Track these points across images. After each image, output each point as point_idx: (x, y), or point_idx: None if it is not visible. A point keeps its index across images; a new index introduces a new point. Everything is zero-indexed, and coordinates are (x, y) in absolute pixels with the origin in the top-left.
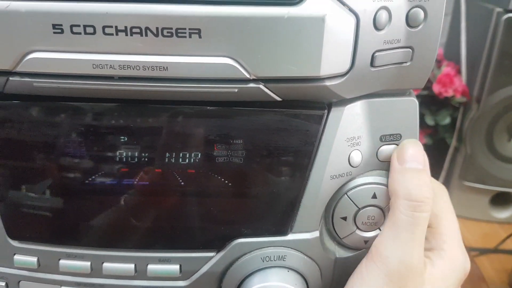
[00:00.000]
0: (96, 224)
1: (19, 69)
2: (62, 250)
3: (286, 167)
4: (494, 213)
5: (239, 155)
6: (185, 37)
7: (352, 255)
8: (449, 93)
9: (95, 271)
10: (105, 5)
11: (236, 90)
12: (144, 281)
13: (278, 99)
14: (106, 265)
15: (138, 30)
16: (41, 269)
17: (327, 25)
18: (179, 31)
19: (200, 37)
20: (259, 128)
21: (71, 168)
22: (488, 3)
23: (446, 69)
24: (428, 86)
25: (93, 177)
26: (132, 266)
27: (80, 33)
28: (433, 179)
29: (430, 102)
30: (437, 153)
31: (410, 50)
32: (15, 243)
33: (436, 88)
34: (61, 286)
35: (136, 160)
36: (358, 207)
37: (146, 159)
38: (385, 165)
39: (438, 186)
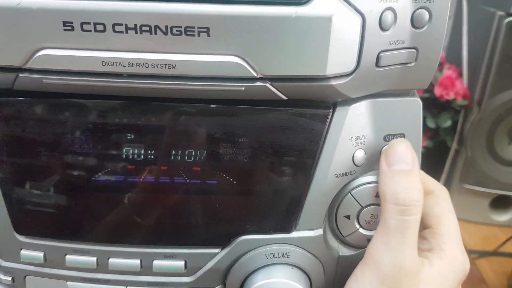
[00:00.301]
0: (102, 220)
1: (29, 65)
2: (68, 246)
3: (291, 166)
4: (494, 216)
5: (245, 153)
6: (193, 35)
7: (355, 254)
8: (451, 96)
9: (101, 266)
10: (115, 3)
11: (243, 88)
12: (150, 277)
13: (284, 98)
14: (112, 260)
15: (147, 28)
16: (47, 264)
17: (333, 25)
18: (188, 29)
19: (208, 35)
20: (264, 127)
21: (78, 164)
22: (490, 6)
23: (448, 72)
24: (430, 89)
25: (100, 173)
26: (137, 261)
27: (90, 31)
28: (434, 181)
29: (432, 105)
30: (437, 155)
31: (414, 50)
32: (22, 238)
33: (437, 91)
34: (67, 281)
35: (142, 157)
36: (361, 205)
37: (152, 156)
38: None
39: (439, 188)
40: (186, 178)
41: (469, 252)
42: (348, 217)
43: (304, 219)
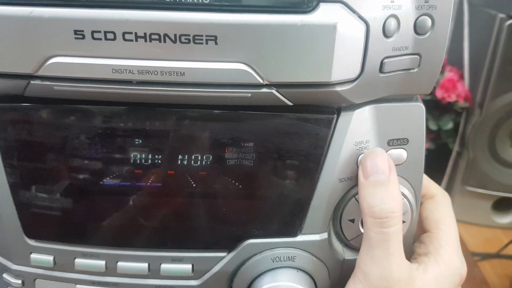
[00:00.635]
0: (111, 224)
1: (40, 73)
2: (77, 249)
3: (296, 170)
4: (496, 218)
5: (251, 157)
6: (202, 43)
7: None
8: (452, 98)
9: (110, 270)
10: (125, 12)
11: (249, 94)
12: (157, 280)
13: (290, 103)
14: (121, 264)
15: (157, 37)
16: (56, 268)
17: (338, 33)
18: (196, 37)
19: (216, 43)
20: (270, 132)
21: (87, 169)
22: (491, 9)
23: (449, 74)
24: (431, 91)
25: (108, 178)
26: (145, 265)
27: (100, 39)
28: (436, 185)
29: (433, 107)
30: (439, 158)
31: (417, 56)
32: (32, 242)
33: (439, 93)
34: (76, 284)
35: (149, 162)
36: None
37: (160, 161)
38: None
39: (440, 192)
40: (192, 183)
41: (472, 254)
42: (352, 221)
43: (309, 223)
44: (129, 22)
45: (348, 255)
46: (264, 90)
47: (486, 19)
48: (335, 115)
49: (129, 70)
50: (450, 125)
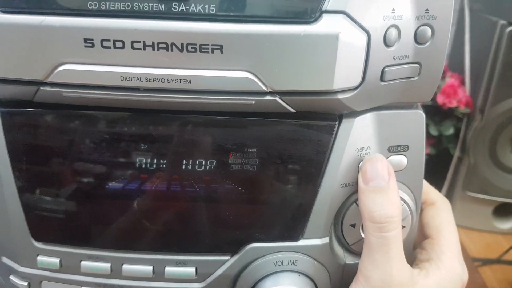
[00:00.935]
0: (117, 227)
1: (50, 79)
2: (83, 252)
3: (299, 175)
4: (497, 224)
5: (254, 163)
6: (208, 52)
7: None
8: (453, 104)
9: (115, 272)
10: (134, 22)
11: (253, 102)
12: (162, 283)
13: (292, 110)
14: (126, 266)
15: (164, 46)
16: (63, 270)
17: (340, 42)
18: (202, 46)
19: (222, 52)
20: (273, 138)
21: (93, 173)
22: (492, 15)
23: (450, 80)
24: (432, 97)
25: (114, 182)
26: (150, 268)
27: (109, 47)
28: (436, 192)
29: (434, 113)
30: (440, 163)
31: (418, 65)
32: (38, 245)
33: (440, 99)
34: (81, 286)
35: (155, 166)
36: None
37: (164, 166)
38: None
39: (441, 199)
40: (196, 187)
41: (472, 260)
42: (353, 225)
43: (311, 228)
44: (137, 31)
45: (349, 259)
46: (268, 97)
47: (487, 25)
48: (337, 122)
49: (137, 77)
50: (451, 131)
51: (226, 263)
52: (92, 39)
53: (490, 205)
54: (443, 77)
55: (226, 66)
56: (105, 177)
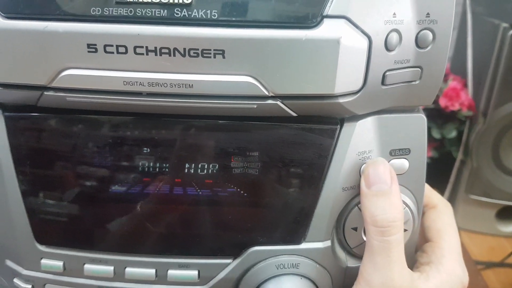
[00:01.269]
0: (120, 230)
1: (54, 84)
2: (87, 255)
3: (301, 179)
4: (500, 227)
5: (256, 167)
6: (210, 57)
7: None
8: (456, 107)
9: (118, 275)
10: (137, 27)
11: (255, 106)
12: (164, 286)
13: (294, 114)
14: (129, 270)
15: (167, 51)
16: (66, 273)
17: (342, 47)
18: (204, 51)
19: (223, 57)
20: (275, 142)
21: (96, 177)
22: (494, 18)
23: (453, 83)
24: (435, 99)
25: (117, 186)
26: (153, 271)
27: (112, 53)
28: (438, 195)
29: (437, 116)
30: (443, 166)
31: (419, 69)
32: (42, 248)
33: (442, 102)
34: None
35: (157, 170)
36: None
37: (167, 169)
38: None
39: (442, 202)
40: (199, 191)
41: (476, 263)
42: (355, 229)
43: (312, 231)
44: (140, 36)
45: (351, 262)
46: (270, 101)
47: (490, 28)
48: (338, 126)
49: (140, 82)
50: (453, 134)
51: (229, 266)
52: (95, 45)
53: (493, 208)
54: (445, 80)
55: (228, 70)
56: (108, 180)
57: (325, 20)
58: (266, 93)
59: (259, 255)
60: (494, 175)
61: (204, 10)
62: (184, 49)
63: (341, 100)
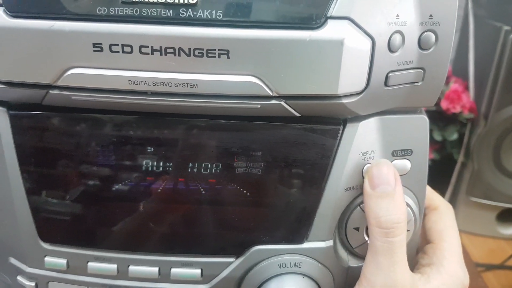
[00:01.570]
0: (123, 229)
1: (59, 83)
2: (90, 253)
3: (303, 179)
4: (500, 229)
5: (259, 166)
6: (214, 57)
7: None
8: (457, 109)
9: (121, 273)
10: (142, 27)
11: (259, 106)
12: (167, 284)
13: (297, 114)
14: (132, 268)
15: (172, 50)
16: (70, 271)
17: (345, 48)
18: (209, 51)
19: (228, 57)
20: (278, 142)
21: (100, 176)
22: (496, 21)
23: (454, 85)
24: (436, 102)
25: (121, 185)
26: (156, 269)
27: (118, 52)
28: (439, 197)
29: (438, 118)
30: (444, 168)
31: (421, 71)
32: (46, 246)
33: (444, 104)
34: (88, 287)
35: (161, 169)
36: None
37: (171, 169)
38: None
39: (444, 204)
40: (202, 190)
41: (476, 265)
42: (357, 229)
43: (315, 231)
44: (145, 36)
45: (352, 262)
46: (273, 101)
47: (491, 31)
48: (341, 126)
49: (145, 81)
50: (455, 136)
51: (231, 265)
52: (100, 44)
53: (494, 211)
54: (447, 83)
55: (232, 70)
56: (112, 179)
57: (329, 21)
58: (270, 93)
59: (262, 254)
60: (495, 177)
61: (209, 11)
62: (189, 49)
63: (344, 100)
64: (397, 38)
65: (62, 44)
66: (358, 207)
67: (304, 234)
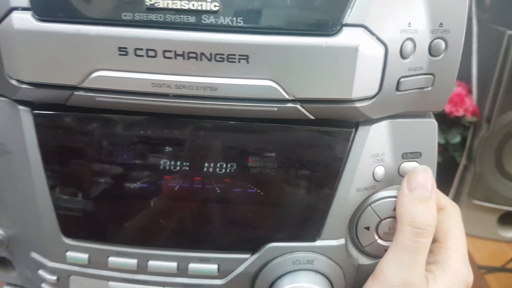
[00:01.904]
0: (143, 225)
1: (84, 84)
2: (111, 248)
3: (316, 180)
4: (501, 232)
5: (273, 167)
6: (234, 62)
7: (373, 263)
8: (460, 112)
9: (141, 268)
10: (166, 32)
11: (275, 109)
12: (185, 279)
13: (312, 117)
14: (151, 263)
15: (194, 55)
16: (91, 265)
17: (359, 54)
18: (229, 56)
19: (247, 62)
20: (292, 143)
21: (121, 174)
22: (499, 25)
23: (457, 89)
24: None
25: (141, 183)
26: (174, 264)
27: (142, 56)
28: (446, 197)
29: (441, 121)
30: (446, 171)
31: (431, 76)
32: (68, 241)
33: (447, 107)
34: (108, 281)
35: (179, 168)
36: (380, 218)
37: (188, 168)
38: None
39: (450, 204)
40: (218, 189)
41: (477, 267)
42: (367, 228)
43: (327, 229)
44: (169, 41)
45: (362, 260)
46: (290, 105)
47: (495, 35)
48: (354, 129)
49: (167, 84)
50: (457, 139)
51: (247, 261)
52: (126, 48)
53: (495, 214)
54: None
55: (251, 75)
56: (132, 178)
57: (344, 29)
58: (287, 96)
59: (276, 251)
60: (497, 180)
61: (230, 17)
62: (211, 53)
63: (357, 104)
64: (408, 45)
65: (88, 48)
66: (369, 207)
67: (317, 232)
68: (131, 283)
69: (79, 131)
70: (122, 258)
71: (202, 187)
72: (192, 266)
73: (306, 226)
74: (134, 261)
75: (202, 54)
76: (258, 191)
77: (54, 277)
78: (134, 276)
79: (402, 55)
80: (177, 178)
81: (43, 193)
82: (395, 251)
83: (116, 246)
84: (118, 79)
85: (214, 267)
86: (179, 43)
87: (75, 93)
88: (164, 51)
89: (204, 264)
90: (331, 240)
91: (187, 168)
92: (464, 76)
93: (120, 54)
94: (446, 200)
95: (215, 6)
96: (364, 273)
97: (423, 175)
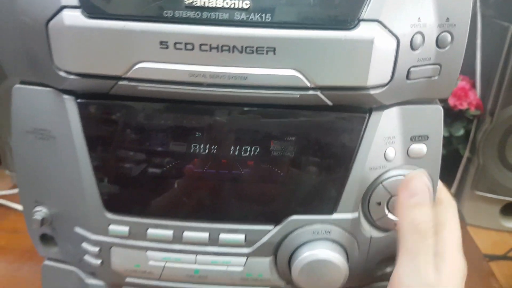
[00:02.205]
0: (179, 200)
1: (128, 75)
2: (150, 221)
3: (334, 160)
4: (504, 222)
5: (295, 149)
6: (263, 53)
7: (384, 236)
8: (464, 106)
9: (176, 238)
10: (202, 28)
11: (298, 96)
12: (216, 247)
13: (330, 103)
14: (186, 233)
15: (227, 48)
16: (131, 237)
17: (374, 46)
18: (258, 49)
19: (274, 53)
20: (312, 127)
21: (159, 155)
22: (503, 21)
23: (461, 83)
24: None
25: (175, 163)
26: (206, 235)
27: (181, 49)
28: (445, 191)
29: (445, 114)
30: (450, 163)
31: (438, 66)
32: (110, 216)
33: (451, 101)
34: (146, 251)
35: (208, 151)
36: (391, 194)
37: (217, 151)
38: (414, 161)
39: (448, 198)
40: (247, 169)
41: (483, 256)
42: (379, 204)
43: (343, 204)
44: (205, 36)
45: (374, 233)
46: (311, 92)
47: (499, 30)
48: (368, 114)
49: (202, 74)
50: (461, 132)
51: (271, 232)
52: (167, 42)
53: (498, 204)
54: None
55: (277, 65)
56: (168, 159)
57: (361, 23)
58: (308, 84)
59: (297, 223)
60: (499, 172)
61: (260, 14)
62: (242, 46)
63: (371, 91)
64: (418, 38)
65: (132, 42)
66: (381, 184)
67: (334, 206)
68: (167, 252)
69: (119, 117)
70: (160, 230)
71: (233, 167)
72: (222, 236)
73: (324, 201)
74: (170, 232)
75: (234, 47)
76: (283, 170)
77: (97, 249)
78: (170, 246)
79: (412, 47)
80: (209, 160)
81: (88, 174)
82: (406, 258)
83: (154, 219)
84: (158, 70)
85: (241, 237)
86: (214, 37)
87: (119, 82)
88: (201, 45)
89: (233, 234)
90: (346, 214)
91: (216, 151)
92: (468, 71)
93: (161, 48)
94: (445, 194)
95: (246, 4)
96: (376, 246)
97: (417, 180)
